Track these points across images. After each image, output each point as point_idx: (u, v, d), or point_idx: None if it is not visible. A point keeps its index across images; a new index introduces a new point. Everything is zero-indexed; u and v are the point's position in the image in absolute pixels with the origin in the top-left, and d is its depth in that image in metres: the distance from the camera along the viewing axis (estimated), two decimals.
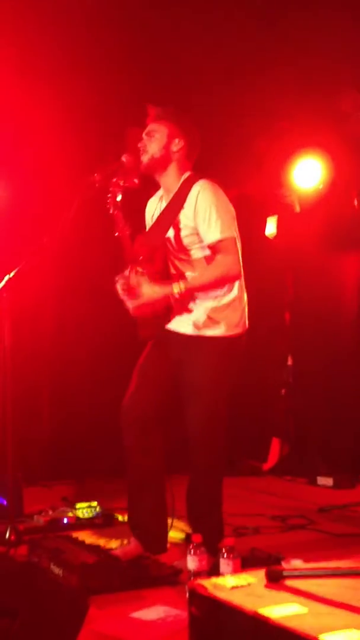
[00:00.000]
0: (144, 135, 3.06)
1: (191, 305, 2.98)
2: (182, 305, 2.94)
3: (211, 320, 2.96)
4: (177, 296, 2.88)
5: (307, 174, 5.12)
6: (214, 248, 2.94)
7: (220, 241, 2.91)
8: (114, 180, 2.92)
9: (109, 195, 2.92)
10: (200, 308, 2.97)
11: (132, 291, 2.94)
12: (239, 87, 4.66)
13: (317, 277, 5.69)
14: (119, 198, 2.91)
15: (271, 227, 5.49)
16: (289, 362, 5.94)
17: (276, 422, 5.91)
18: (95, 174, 2.92)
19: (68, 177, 3.71)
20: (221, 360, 2.97)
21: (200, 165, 3.15)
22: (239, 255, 2.96)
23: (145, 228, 3.22)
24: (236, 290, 3.00)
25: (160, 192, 3.18)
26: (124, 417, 3.07)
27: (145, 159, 3.01)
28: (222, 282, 2.95)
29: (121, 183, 2.93)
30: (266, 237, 5.54)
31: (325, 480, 5.07)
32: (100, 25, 4.20)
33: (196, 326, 2.97)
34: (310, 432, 5.68)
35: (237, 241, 2.98)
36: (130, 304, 2.98)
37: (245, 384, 5.75)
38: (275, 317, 6.00)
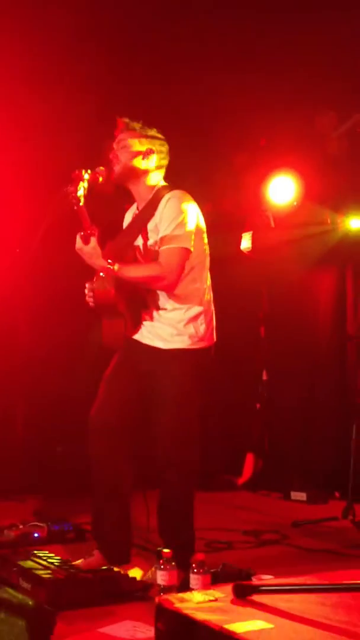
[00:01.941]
0: (114, 145, 3.08)
1: (156, 319, 2.99)
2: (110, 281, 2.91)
3: (177, 333, 2.97)
4: (113, 269, 2.84)
5: (282, 190, 5.18)
6: (160, 245, 2.92)
7: (170, 246, 2.89)
8: (76, 173, 2.89)
9: (71, 190, 2.86)
10: (165, 321, 2.98)
11: (97, 294, 2.93)
12: (218, 103, 4.70)
13: (291, 292, 5.73)
14: (80, 192, 2.86)
15: (246, 242, 5.52)
16: (264, 376, 5.96)
17: (251, 437, 5.92)
18: (70, 186, 2.91)
19: (43, 189, 3.70)
20: (190, 373, 2.97)
21: (177, 179, 3.17)
22: (178, 270, 2.91)
23: None
24: (201, 304, 3.01)
25: (135, 204, 3.20)
26: (90, 426, 3.07)
27: (117, 168, 3.04)
28: (151, 283, 2.94)
29: (86, 176, 2.90)
30: (241, 252, 5.57)
31: (299, 495, 5.07)
32: (71, 35, 4.21)
33: (163, 339, 2.98)
34: (285, 447, 5.69)
35: (201, 255, 2.99)
36: (91, 300, 2.98)
37: (221, 399, 5.79)
38: (250, 332, 6.03)
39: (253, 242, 5.48)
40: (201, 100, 4.68)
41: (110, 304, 2.96)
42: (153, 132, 3.11)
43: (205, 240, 3.06)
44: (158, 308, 2.99)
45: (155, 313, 3.00)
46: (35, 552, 3.04)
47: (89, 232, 2.86)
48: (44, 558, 2.94)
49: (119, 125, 3.07)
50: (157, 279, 2.91)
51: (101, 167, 2.98)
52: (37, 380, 5.17)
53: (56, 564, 2.86)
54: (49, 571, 2.74)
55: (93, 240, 2.85)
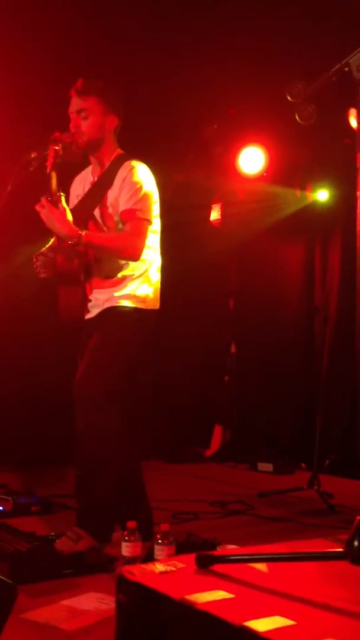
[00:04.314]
0: (74, 113, 2.97)
1: (100, 286, 2.99)
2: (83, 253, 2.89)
3: (119, 295, 2.97)
4: (82, 236, 2.79)
5: (252, 161, 5.14)
6: (126, 219, 2.91)
7: (135, 216, 2.88)
8: (53, 141, 2.83)
9: (47, 154, 2.81)
10: (109, 290, 2.99)
11: (61, 262, 2.89)
12: (187, 73, 4.62)
13: (260, 263, 5.73)
14: (53, 155, 2.81)
15: (216, 214, 5.49)
16: (232, 349, 5.98)
17: (219, 409, 5.94)
18: (32, 152, 2.84)
19: (2, 156, 3.60)
20: (125, 329, 2.96)
21: (146, 149, 3.12)
22: (144, 241, 2.93)
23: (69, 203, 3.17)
24: (144, 270, 3.01)
25: (88, 169, 3.14)
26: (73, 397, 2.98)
27: (81, 140, 2.95)
28: (121, 253, 2.93)
29: (57, 147, 2.84)
30: (211, 224, 5.54)
31: (265, 466, 5.13)
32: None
33: (105, 302, 2.99)
34: (252, 419, 5.73)
35: (156, 231, 2.99)
36: (42, 272, 2.95)
37: (189, 371, 5.79)
38: (219, 304, 6.02)
39: (222, 214, 5.45)
40: (170, 70, 4.60)
41: (73, 273, 2.92)
42: (116, 94, 3.02)
43: (157, 209, 3.04)
44: (102, 276, 3.00)
45: (100, 281, 3.00)
46: (2, 524, 3.01)
47: (58, 196, 2.80)
48: (11, 530, 2.92)
49: (78, 86, 2.95)
50: (127, 248, 2.91)
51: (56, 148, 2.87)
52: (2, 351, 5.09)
53: (23, 537, 2.84)
54: (12, 544, 2.72)
55: (62, 205, 2.79)
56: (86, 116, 2.95)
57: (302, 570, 1.82)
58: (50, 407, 5.13)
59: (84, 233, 2.81)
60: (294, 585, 1.67)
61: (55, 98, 3.12)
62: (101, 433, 2.86)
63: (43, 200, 2.80)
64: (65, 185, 3.11)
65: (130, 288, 2.99)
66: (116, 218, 2.96)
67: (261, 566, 1.81)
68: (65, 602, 2.39)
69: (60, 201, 2.79)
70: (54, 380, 5.22)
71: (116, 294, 2.99)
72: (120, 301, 2.98)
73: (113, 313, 2.98)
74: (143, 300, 3.02)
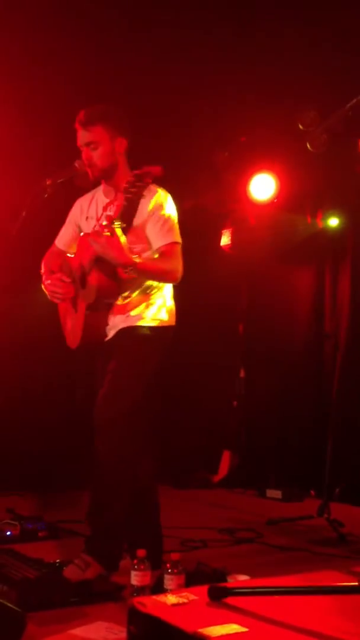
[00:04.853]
0: (83, 145, 2.98)
1: (122, 314, 3.00)
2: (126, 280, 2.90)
3: (135, 314, 2.99)
4: (136, 261, 2.80)
5: (263, 188, 5.17)
6: (165, 252, 2.95)
7: (171, 245, 2.94)
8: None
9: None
10: (128, 306, 3.00)
11: (105, 286, 2.90)
12: (200, 99, 4.67)
13: (270, 289, 5.73)
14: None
15: (226, 239, 5.51)
16: (241, 373, 5.96)
17: (227, 434, 5.91)
18: (47, 179, 2.86)
19: (19, 182, 3.64)
20: (142, 348, 2.97)
21: (158, 176, 3.12)
22: (182, 263, 2.97)
23: (66, 223, 3.21)
24: (162, 290, 3.04)
25: (97, 190, 3.14)
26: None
27: (96, 171, 2.97)
28: (164, 276, 2.97)
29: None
30: (221, 249, 5.56)
31: (274, 493, 5.08)
32: (53, 25, 4.14)
33: (121, 323, 3.00)
34: (261, 444, 5.69)
35: None
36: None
37: (198, 396, 5.78)
38: (228, 329, 6.02)
39: (233, 239, 5.47)
40: (182, 97, 4.65)
41: (114, 296, 2.95)
42: (118, 115, 3.02)
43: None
44: (122, 299, 3.00)
45: (121, 301, 3.01)
46: (10, 550, 2.99)
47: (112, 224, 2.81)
48: (19, 557, 2.90)
49: (80, 119, 2.96)
50: (171, 272, 2.94)
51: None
52: (10, 376, 5.09)
53: (31, 563, 2.82)
54: (20, 571, 2.70)
55: (119, 231, 2.78)
56: (95, 147, 2.97)
57: (315, 603, 1.80)
58: (61, 432, 5.13)
59: (137, 259, 2.82)
60: (308, 619, 1.65)
61: (69, 126, 3.14)
62: (119, 459, 2.87)
63: (99, 227, 2.83)
64: (67, 207, 3.14)
65: (146, 307, 3.01)
66: (138, 241, 2.96)
67: (275, 599, 1.79)
68: (74, 632, 2.36)
69: (115, 229, 2.79)
70: (65, 404, 5.24)
71: (132, 314, 3.00)
72: (136, 321, 2.99)
73: (129, 333, 2.98)
74: (160, 318, 3.03)
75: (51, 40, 4.15)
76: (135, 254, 2.86)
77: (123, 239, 2.76)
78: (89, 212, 3.14)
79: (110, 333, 3.04)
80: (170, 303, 3.09)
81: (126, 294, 3.00)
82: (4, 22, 3.98)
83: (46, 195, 2.87)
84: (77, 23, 4.13)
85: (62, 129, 3.19)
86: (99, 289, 2.90)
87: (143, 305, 3.01)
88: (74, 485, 4.70)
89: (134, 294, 3.01)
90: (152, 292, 3.03)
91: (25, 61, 4.21)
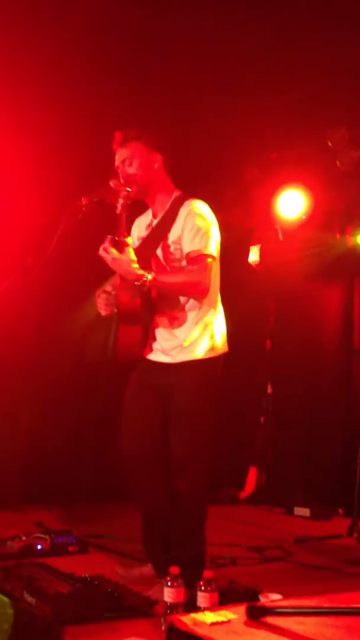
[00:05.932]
0: (119, 163, 3.02)
1: (168, 330, 2.99)
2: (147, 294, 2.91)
3: (191, 344, 2.97)
4: (148, 279, 2.80)
5: (292, 204, 5.18)
6: (192, 259, 2.92)
7: (200, 253, 2.90)
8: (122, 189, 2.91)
9: (119, 196, 2.87)
10: (180, 335, 2.98)
11: (124, 302, 2.92)
12: (230, 117, 4.70)
13: (298, 305, 5.72)
14: (121, 202, 2.87)
15: (254, 255, 5.52)
16: (269, 390, 5.94)
17: (254, 451, 5.88)
18: (82, 198, 2.90)
19: (55, 201, 3.69)
20: (204, 381, 2.97)
21: (188, 190, 3.15)
22: (212, 276, 2.94)
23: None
24: (214, 314, 3.01)
25: (148, 212, 3.17)
26: (126, 456, 3.06)
27: (133, 188, 2.96)
28: (188, 289, 2.94)
29: (128, 190, 2.90)
30: (249, 265, 5.57)
31: (302, 511, 5.04)
32: (91, 41, 4.20)
33: (178, 352, 2.99)
34: (289, 461, 5.65)
35: (216, 265, 2.99)
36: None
37: (225, 412, 5.76)
38: (256, 345, 6.01)
39: (261, 255, 5.48)
40: (212, 114, 4.69)
41: (136, 312, 2.96)
42: (153, 132, 3.05)
43: (218, 248, 3.05)
44: (167, 315, 3.00)
45: (164, 320, 3.00)
46: (41, 564, 3.01)
47: (124, 238, 2.84)
48: (51, 571, 2.92)
49: (117, 139, 3.00)
50: (195, 284, 2.91)
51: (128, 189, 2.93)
52: (42, 387, 5.14)
53: (63, 577, 2.83)
54: (53, 585, 2.72)
55: (129, 249, 2.82)
56: (130, 163, 2.99)
57: (350, 622, 1.79)
58: (88, 445, 5.16)
59: (150, 276, 2.82)
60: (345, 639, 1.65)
61: (104, 145, 3.18)
62: (202, 493, 3.01)
63: (108, 243, 2.83)
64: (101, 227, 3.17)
65: (200, 334, 2.97)
66: (179, 256, 2.96)
67: (312, 619, 1.78)
68: None
69: (126, 244, 2.82)
70: (95, 418, 5.26)
71: (185, 344, 2.97)
72: (193, 354, 2.96)
73: (188, 369, 2.96)
74: (215, 346, 3.00)
75: (86, 61, 4.21)
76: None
77: (132, 253, 2.80)
78: (140, 232, 3.18)
79: (160, 356, 3.03)
80: (222, 324, 3.05)
81: (172, 310, 2.98)
82: (45, 43, 4.05)
83: (81, 215, 2.90)
84: (111, 45, 4.19)
85: (97, 149, 3.23)
86: (123, 303, 2.93)
87: (196, 330, 2.96)
88: (98, 498, 4.75)
89: (181, 312, 2.97)
90: (205, 314, 2.98)
91: (61, 81, 4.28)
